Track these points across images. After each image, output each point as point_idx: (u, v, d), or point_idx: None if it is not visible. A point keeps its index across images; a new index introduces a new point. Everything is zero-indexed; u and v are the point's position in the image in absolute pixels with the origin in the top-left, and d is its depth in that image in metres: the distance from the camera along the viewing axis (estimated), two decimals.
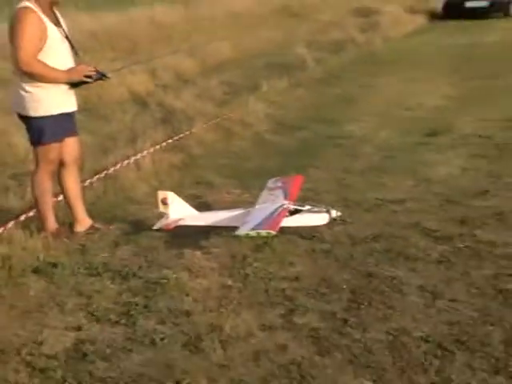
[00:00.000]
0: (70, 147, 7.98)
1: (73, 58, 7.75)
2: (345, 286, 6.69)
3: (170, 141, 12.02)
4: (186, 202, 8.19)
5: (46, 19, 7.37)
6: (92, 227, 8.15)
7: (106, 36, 19.43)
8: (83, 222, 8.15)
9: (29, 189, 8.25)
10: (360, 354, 5.50)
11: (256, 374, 5.25)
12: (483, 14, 33.24)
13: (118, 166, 10.43)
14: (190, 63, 19.10)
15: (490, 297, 6.42)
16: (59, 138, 7.77)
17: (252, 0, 36.01)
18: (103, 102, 13.04)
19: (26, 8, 7.27)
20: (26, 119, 7.71)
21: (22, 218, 8.28)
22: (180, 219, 7.98)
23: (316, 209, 8.01)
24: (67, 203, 8.20)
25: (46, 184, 7.86)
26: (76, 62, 7.76)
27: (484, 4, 33.45)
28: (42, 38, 7.31)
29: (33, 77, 7.41)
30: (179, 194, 8.22)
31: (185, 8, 30.41)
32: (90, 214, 8.30)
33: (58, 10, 7.73)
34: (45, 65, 7.37)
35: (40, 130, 7.64)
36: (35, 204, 8.08)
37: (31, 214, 8.27)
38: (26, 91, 7.50)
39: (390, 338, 5.74)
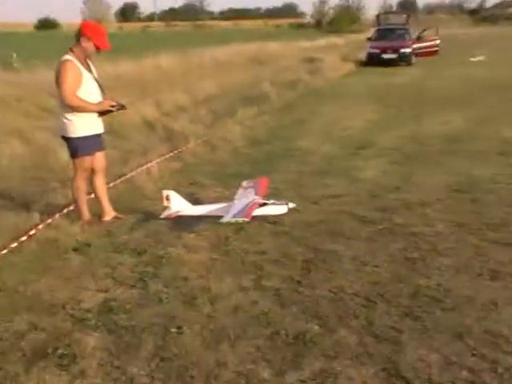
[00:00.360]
0: (99, 159, 8.09)
1: (100, 94, 7.82)
2: (299, 258, 6.85)
3: (171, 153, 11.94)
4: (184, 198, 8.19)
5: (81, 67, 7.53)
6: (115, 217, 8.22)
7: (124, 78, 19.30)
8: (109, 213, 8.23)
9: (70, 190, 8.31)
10: (310, 306, 5.70)
11: (235, 321, 5.44)
12: (394, 63, 33.90)
13: (134, 172, 10.39)
14: (185, 97, 18.97)
15: (401, 263, 6.65)
16: (90, 152, 7.89)
17: (230, 52, 36.21)
18: (123, 126, 13.02)
19: (67, 60, 7.45)
20: (66, 139, 7.83)
21: (65, 211, 8.30)
22: (179, 211, 8.05)
23: (278, 202, 8.08)
24: (97, 199, 8.27)
25: (81, 186, 7.98)
26: (103, 97, 7.85)
27: (394, 56, 34.40)
28: (79, 80, 7.48)
29: (72, 108, 7.55)
30: (178, 192, 8.23)
31: (182, 58, 30.38)
32: (114, 207, 8.33)
33: (90, 60, 7.84)
34: (81, 99, 7.52)
35: (76, 147, 7.77)
36: (74, 200, 8.18)
37: (71, 208, 8.31)
38: (67, 119, 7.63)
39: (332, 294, 5.93)
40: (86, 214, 8.12)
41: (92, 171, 8.07)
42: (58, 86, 7.52)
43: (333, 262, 6.74)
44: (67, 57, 7.50)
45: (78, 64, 7.53)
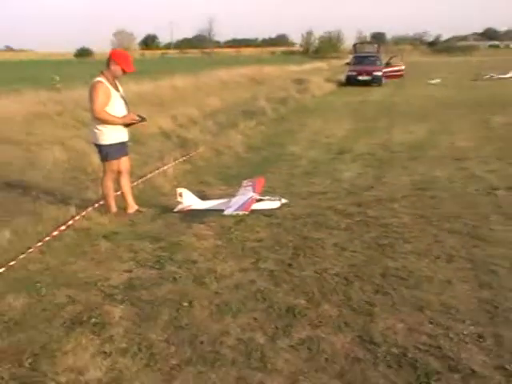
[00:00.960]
0: (124, 162, 8.10)
1: (126, 109, 7.84)
2: (290, 244, 6.85)
3: (183, 158, 11.92)
4: (194, 194, 8.18)
5: (110, 87, 7.59)
6: (137, 210, 8.20)
7: (145, 96, 19.30)
8: (132, 207, 8.20)
9: (100, 188, 8.30)
10: (298, 284, 5.72)
11: (237, 297, 5.46)
12: (368, 83, 33.77)
13: (153, 173, 10.36)
14: (195, 111, 18.91)
15: (374, 249, 6.67)
16: (117, 157, 7.92)
17: (233, 74, 36.20)
18: (144, 135, 12.99)
19: (98, 81, 7.53)
20: (98, 146, 7.88)
21: (96, 205, 8.28)
22: (190, 205, 8.05)
23: (272, 198, 8.08)
24: (122, 196, 8.26)
25: (109, 185, 8.00)
26: (127, 112, 7.86)
27: (368, 78, 34.24)
28: (107, 98, 7.54)
29: (102, 121, 7.61)
30: (189, 189, 8.23)
31: (193, 79, 30.38)
32: (136, 202, 8.29)
33: (118, 80, 7.85)
34: (109, 114, 7.59)
35: (106, 153, 7.83)
36: (103, 197, 8.17)
37: (101, 203, 8.29)
38: (98, 129, 7.69)
39: (317, 274, 5.95)
40: (114, 208, 8.12)
41: (118, 172, 8.08)
42: (90, 102, 7.58)
43: (318, 248, 6.75)
44: (98, 78, 7.57)
45: (108, 84, 7.59)
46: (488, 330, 4.71)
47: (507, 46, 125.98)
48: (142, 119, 8.02)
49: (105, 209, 8.13)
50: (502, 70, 39.89)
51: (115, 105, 7.68)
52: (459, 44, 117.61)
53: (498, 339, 4.57)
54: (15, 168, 10.84)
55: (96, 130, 7.73)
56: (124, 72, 7.72)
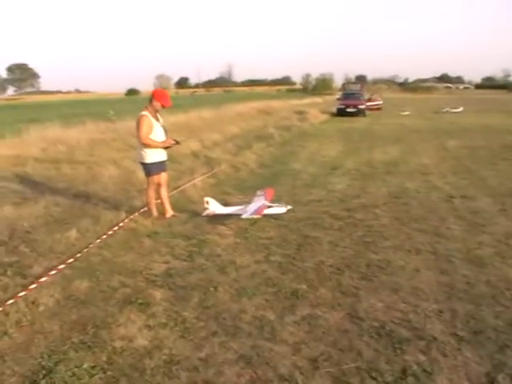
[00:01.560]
0: (163, 177, 8.10)
1: (165, 135, 7.87)
2: (294, 242, 6.82)
3: (209, 173, 11.92)
4: (218, 202, 8.13)
5: (152, 119, 7.66)
6: (173, 215, 8.16)
7: (179, 125, 19.37)
8: (169, 212, 8.14)
9: (144, 197, 8.30)
10: (301, 273, 5.72)
11: (252, 283, 5.47)
12: (354, 114, 33.07)
13: (185, 185, 10.38)
14: (218, 136, 18.90)
15: (360, 244, 6.66)
16: (158, 172, 7.95)
17: (247, 107, 36.29)
18: (179, 155, 13.00)
19: (143, 115, 7.62)
20: (143, 164, 7.92)
21: (141, 210, 8.25)
22: (215, 211, 7.99)
23: (279, 205, 8.05)
24: (161, 203, 8.23)
25: (152, 195, 7.99)
26: (166, 137, 7.89)
27: (354, 110, 33.49)
28: (151, 127, 7.62)
29: (146, 145, 7.69)
30: (214, 198, 8.20)
31: (216, 111, 30.50)
32: (172, 208, 8.24)
33: (159, 113, 7.88)
34: (152, 140, 7.67)
35: (149, 169, 7.88)
36: (147, 204, 8.16)
37: (145, 209, 8.26)
38: (143, 151, 7.76)
39: (315, 266, 5.94)
40: (155, 213, 8.09)
41: (158, 184, 8.08)
42: (137, 130, 7.67)
43: (316, 244, 6.72)
44: (144, 112, 7.65)
45: (150, 117, 7.66)
46: (446, 306, 4.84)
47: (457, 88, 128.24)
48: (177, 143, 8.11)
49: (148, 213, 8.12)
50: (454, 106, 40.40)
51: (156, 132, 7.74)
52: (422, 85, 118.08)
53: (453, 313, 4.70)
54: (80, 182, 10.88)
55: (142, 152, 7.80)
56: (163, 106, 7.77)
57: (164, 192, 8.25)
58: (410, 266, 5.87)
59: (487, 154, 15.00)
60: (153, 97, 7.71)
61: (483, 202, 8.82)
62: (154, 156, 7.83)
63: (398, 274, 5.61)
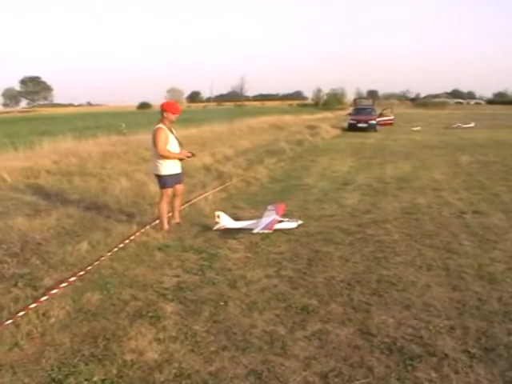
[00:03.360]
0: (179, 188, 8.25)
1: (179, 147, 8.01)
2: (305, 256, 6.82)
3: (220, 187, 11.96)
4: (229, 216, 8.17)
5: (167, 131, 7.83)
6: (178, 222, 8.34)
7: (191, 138, 19.40)
8: (176, 219, 8.34)
9: (156, 209, 8.33)
10: (311, 288, 5.71)
11: (262, 297, 5.47)
12: (365, 130, 32.87)
13: (197, 199, 10.42)
14: (230, 150, 18.97)
15: (371, 260, 6.64)
16: (172, 185, 8.04)
17: (259, 121, 36.32)
18: (191, 169, 13.00)
19: (159, 127, 7.80)
20: (157, 176, 8.03)
21: (152, 224, 8.26)
22: (226, 225, 8.01)
23: (291, 220, 8.08)
24: (171, 210, 8.40)
25: (164, 207, 8.00)
26: (181, 149, 8.03)
27: (365, 125, 33.30)
28: (167, 139, 7.78)
29: (163, 157, 7.83)
30: (225, 212, 8.24)
31: (228, 125, 30.61)
32: (181, 220, 8.40)
33: (173, 126, 8.01)
34: (168, 151, 7.82)
35: (163, 181, 7.98)
36: (158, 216, 8.18)
37: (156, 222, 8.27)
38: (159, 163, 7.90)
39: (326, 280, 5.94)
40: (166, 226, 8.11)
41: (174, 195, 8.22)
42: (154, 143, 7.83)
43: (327, 259, 6.72)
44: (159, 125, 7.85)
45: (166, 129, 7.83)
46: (458, 323, 4.81)
47: (468, 103, 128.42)
48: (193, 155, 8.28)
49: (159, 226, 8.14)
50: (465, 121, 40.41)
51: (172, 144, 7.90)
52: (434, 100, 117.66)
53: (465, 330, 4.67)
54: (92, 194, 10.96)
55: (157, 164, 7.91)
56: (173, 114, 7.91)
57: (177, 202, 8.39)
58: (422, 281, 5.85)
59: (500, 169, 14.95)
60: (162, 109, 7.89)
61: (496, 218, 8.78)
62: (169, 168, 7.94)
63: (410, 290, 5.59)
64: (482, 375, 3.92)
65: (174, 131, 8.07)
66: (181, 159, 8.08)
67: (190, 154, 8.13)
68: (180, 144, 8.11)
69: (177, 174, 8.10)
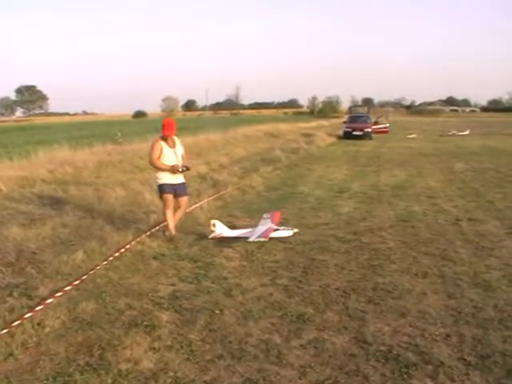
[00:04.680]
0: (184, 200, 8.31)
1: (176, 161, 8.06)
2: (300, 265, 6.83)
3: (216, 195, 11.97)
4: (224, 224, 8.19)
5: (163, 144, 8.05)
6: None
7: (186, 147, 19.56)
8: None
9: (150, 217, 8.37)
10: (307, 297, 5.72)
11: (258, 306, 5.46)
12: (360, 138, 32.85)
13: (192, 207, 10.34)
14: (225, 159, 19.01)
15: (366, 268, 6.66)
16: (169, 191, 8.05)
17: (254, 130, 36.32)
18: (186, 177, 13.11)
19: (156, 140, 8.15)
20: (157, 186, 8.23)
21: (148, 232, 8.29)
22: (221, 233, 8.03)
23: (286, 228, 8.12)
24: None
25: (167, 213, 8.04)
26: (177, 162, 8.07)
27: (361, 133, 33.40)
28: (160, 152, 8.00)
29: (156, 168, 8.07)
30: (221, 221, 8.27)
31: (223, 134, 30.60)
32: (177, 230, 8.28)
33: (176, 140, 8.23)
34: (158, 162, 8.02)
35: (161, 189, 8.10)
36: (164, 220, 8.26)
37: (153, 230, 8.27)
38: (156, 173, 8.23)
39: (321, 289, 5.95)
40: (173, 231, 8.12)
41: (178, 207, 8.27)
42: (149, 154, 8.17)
43: (322, 267, 6.73)
44: (157, 138, 8.25)
45: (162, 142, 8.06)
46: (453, 331, 4.81)
47: (463, 111, 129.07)
48: (187, 169, 8.27)
49: (155, 235, 8.17)
50: (460, 129, 40.90)
51: (166, 157, 8.03)
52: (428, 108, 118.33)
53: (461, 337, 4.67)
54: (87, 203, 10.94)
55: (155, 174, 8.26)
56: (165, 135, 8.07)
57: (178, 214, 8.36)
58: (417, 289, 5.85)
59: (494, 176, 15.05)
60: (162, 126, 8.18)
61: (491, 225, 8.82)
62: (163, 178, 8.08)
63: (405, 298, 5.60)
64: (477, 383, 3.92)
65: (177, 145, 8.25)
66: (172, 172, 8.06)
67: (180, 169, 8.09)
68: (177, 157, 8.14)
69: (171, 185, 8.11)
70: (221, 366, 4.21)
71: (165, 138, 8.07)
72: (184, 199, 8.37)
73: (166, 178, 8.06)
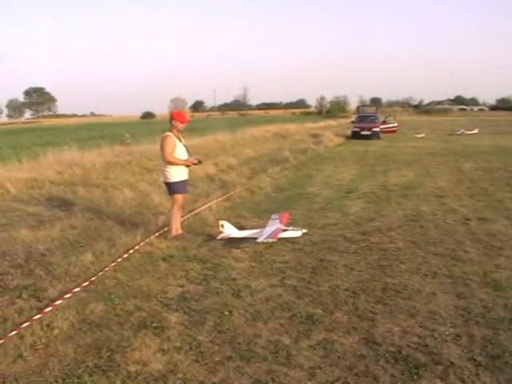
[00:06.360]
0: (186, 198, 8.38)
1: (187, 155, 8.11)
2: (309, 265, 6.81)
3: (224, 196, 11.95)
4: (233, 225, 8.18)
5: (175, 139, 7.99)
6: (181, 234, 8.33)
7: (194, 147, 19.46)
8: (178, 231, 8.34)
9: (165, 216, 8.36)
10: (316, 297, 5.69)
11: (267, 307, 5.46)
12: (369, 138, 32.83)
13: (201, 208, 10.41)
14: (233, 160, 19.00)
15: (375, 268, 6.63)
16: (181, 191, 8.12)
17: (262, 130, 36.35)
18: (195, 179, 12.93)
19: (167, 135, 7.98)
20: (166, 184, 8.15)
21: (157, 234, 8.28)
22: (230, 234, 8.02)
23: (295, 228, 8.08)
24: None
25: (175, 213, 8.08)
26: (188, 156, 8.14)
27: (369, 133, 33.27)
28: (174, 146, 7.91)
29: (170, 164, 7.96)
30: (229, 221, 8.24)
31: (231, 134, 30.63)
32: (185, 231, 8.36)
33: (181, 135, 8.16)
34: (174, 157, 7.94)
35: (173, 188, 8.07)
36: (171, 222, 8.18)
37: (161, 231, 8.27)
38: (166, 170, 8.05)
39: (330, 289, 5.92)
40: (179, 231, 8.21)
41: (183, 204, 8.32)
42: (161, 150, 8.00)
43: (331, 268, 6.70)
44: (167, 133, 8.04)
45: (174, 137, 7.99)
46: (463, 331, 4.80)
47: (472, 110, 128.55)
48: (200, 162, 8.34)
49: (164, 236, 8.14)
50: (469, 127, 40.65)
51: (179, 151, 8.02)
52: (437, 107, 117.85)
53: (471, 338, 4.66)
54: (96, 204, 10.98)
55: (166, 172, 8.07)
56: (182, 123, 8.07)
57: (181, 211, 8.42)
58: (427, 289, 5.83)
59: (504, 175, 14.96)
60: (171, 118, 8.10)
61: (500, 225, 8.77)
62: (177, 175, 8.05)
63: (415, 298, 5.58)
64: (488, 383, 3.90)
65: (182, 140, 8.21)
66: (187, 165, 8.14)
67: (196, 161, 8.18)
68: (188, 152, 8.22)
69: (184, 181, 8.16)
70: (230, 367, 4.21)
71: (175, 133, 8.02)
72: (187, 196, 8.48)
73: (178, 175, 8.04)
